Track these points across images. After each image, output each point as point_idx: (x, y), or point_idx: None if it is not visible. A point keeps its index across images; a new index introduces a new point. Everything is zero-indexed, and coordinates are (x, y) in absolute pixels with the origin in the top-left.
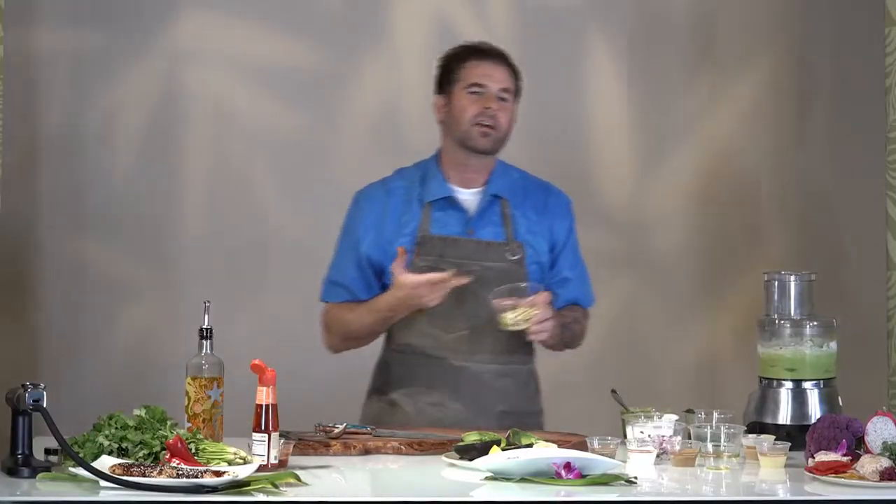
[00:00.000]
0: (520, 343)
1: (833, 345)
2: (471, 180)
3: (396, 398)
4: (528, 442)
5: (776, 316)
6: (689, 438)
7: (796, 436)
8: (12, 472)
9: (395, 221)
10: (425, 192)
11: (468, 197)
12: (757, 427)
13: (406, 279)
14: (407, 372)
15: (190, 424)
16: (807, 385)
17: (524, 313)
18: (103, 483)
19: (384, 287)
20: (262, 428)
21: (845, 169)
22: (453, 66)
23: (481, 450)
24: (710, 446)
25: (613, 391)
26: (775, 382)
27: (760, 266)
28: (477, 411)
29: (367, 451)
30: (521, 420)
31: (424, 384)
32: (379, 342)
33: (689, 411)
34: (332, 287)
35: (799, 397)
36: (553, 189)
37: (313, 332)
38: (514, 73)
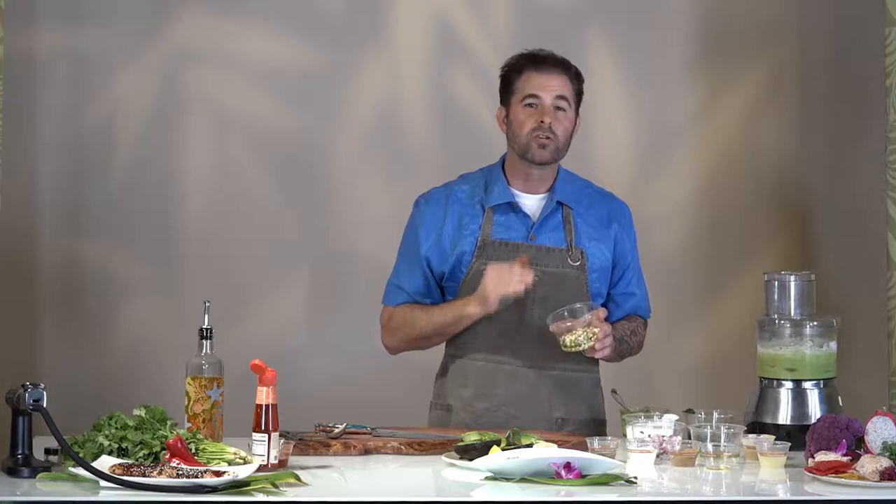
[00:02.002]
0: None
1: (833, 345)
2: (534, 187)
3: (453, 403)
4: (528, 442)
5: (776, 316)
6: (689, 438)
7: (796, 436)
8: (12, 472)
9: (456, 225)
10: (488, 197)
11: (531, 202)
12: (757, 427)
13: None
14: (463, 377)
15: (190, 424)
16: (807, 385)
17: (584, 333)
18: (103, 483)
19: (443, 293)
20: (262, 428)
21: (845, 169)
22: (512, 76)
23: (481, 450)
24: (710, 446)
25: (614, 391)
26: (775, 382)
27: (761, 266)
28: (534, 418)
29: (367, 451)
30: (582, 429)
31: (481, 389)
32: (437, 350)
33: (689, 411)
34: (395, 290)
35: (799, 397)
36: (615, 199)
37: (313, 331)
38: (574, 77)
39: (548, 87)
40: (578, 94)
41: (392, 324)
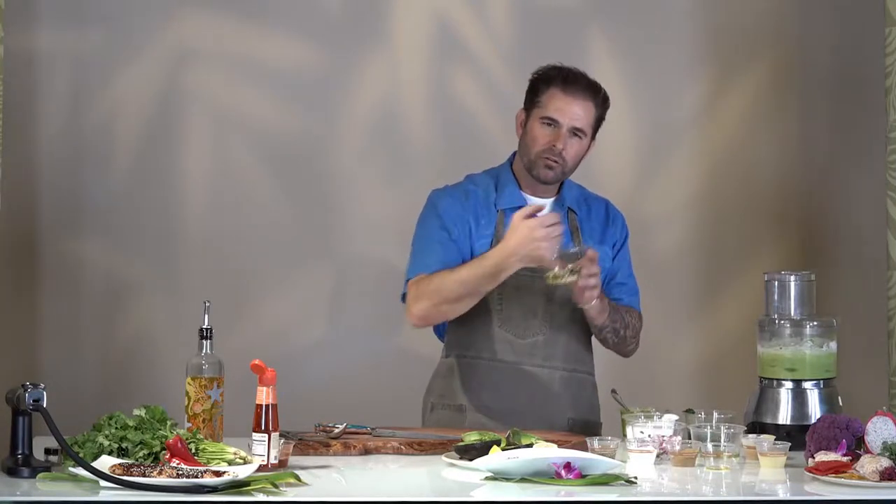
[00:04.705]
0: (586, 352)
1: (833, 345)
2: (542, 193)
3: (465, 403)
4: (528, 442)
5: (776, 316)
6: (689, 438)
7: (796, 436)
8: (12, 472)
9: (475, 223)
10: (500, 200)
11: (541, 206)
12: (757, 427)
13: (520, 219)
14: (479, 377)
15: (190, 424)
16: (807, 385)
17: (568, 269)
18: (103, 483)
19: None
20: (262, 428)
21: (845, 169)
22: (539, 87)
23: (481, 450)
24: (710, 446)
25: (613, 391)
26: (775, 382)
27: (760, 266)
28: (548, 418)
29: (367, 451)
30: (586, 430)
31: (497, 389)
32: (438, 350)
33: (689, 411)
34: (425, 262)
35: (799, 397)
36: (610, 204)
37: (313, 331)
38: (600, 104)
39: (569, 112)
40: (599, 121)
41: (421, 289)
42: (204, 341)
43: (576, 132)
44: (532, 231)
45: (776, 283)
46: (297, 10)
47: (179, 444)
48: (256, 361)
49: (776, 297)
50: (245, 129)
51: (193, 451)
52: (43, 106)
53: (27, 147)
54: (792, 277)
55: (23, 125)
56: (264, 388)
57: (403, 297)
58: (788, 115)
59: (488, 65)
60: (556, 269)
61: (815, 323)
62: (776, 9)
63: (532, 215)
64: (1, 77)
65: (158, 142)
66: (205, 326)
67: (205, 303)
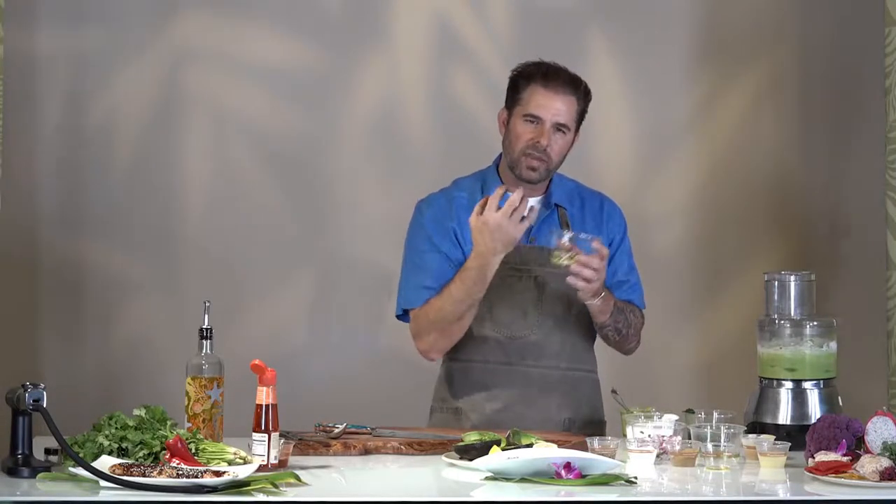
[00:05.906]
0: (585, 349)
1: (833, 345)
2: (529, 192)
3: (461, 406)
4: (528, 442)
5: (776, 316)
6: (689, 438)
7: (796, 436)
8: (12, 472)
9: (461, 228)
10: None
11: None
12: (757, 427)
13: (475, 219)
14: (471, 380)
15: (190, 424)
16: (807, 385)
17: (568, 253)
18: (103, 483)
19: None
20: (262, 428)
21: (845, 169)
22: (520, 84)
23: (481, 450)
24: (710, 446)
25: (613, 391)
26: (775, 382)
27: (760, 266)
28: (543, 418)
29: (367, 451)
30: (586, 429)
31: (489, 391)
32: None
33: (689, 411)
34: (418, 291)
35: (799, 397)
36: (606, 198)
37: (312, 331)
38: (581, 97)
39: (551, 108)
40: (582, 114)
41: (422, 324)
42: (204, 341)
43: (559, 127)
44: (488, 221)
45: (776, 283)
46: (298, 10)
47: (179, 444)
48: (256, 361)
49: (776, 297)
50: (245, 130)
51: (193, 451)
52: (43, 106)
53: (27, 147)
54: (792, 277)
55: (23, 125)
56: (264, 388)
57: (399, 318)
58: (788, 114)
59: (488, 65)
60: (557, 251)
61: (815, 323)
62: (776, 9)
63: (483, 208)
64: (1, 77)
65: (158, 142)
66: (205, 326)
67: (205, 303)
